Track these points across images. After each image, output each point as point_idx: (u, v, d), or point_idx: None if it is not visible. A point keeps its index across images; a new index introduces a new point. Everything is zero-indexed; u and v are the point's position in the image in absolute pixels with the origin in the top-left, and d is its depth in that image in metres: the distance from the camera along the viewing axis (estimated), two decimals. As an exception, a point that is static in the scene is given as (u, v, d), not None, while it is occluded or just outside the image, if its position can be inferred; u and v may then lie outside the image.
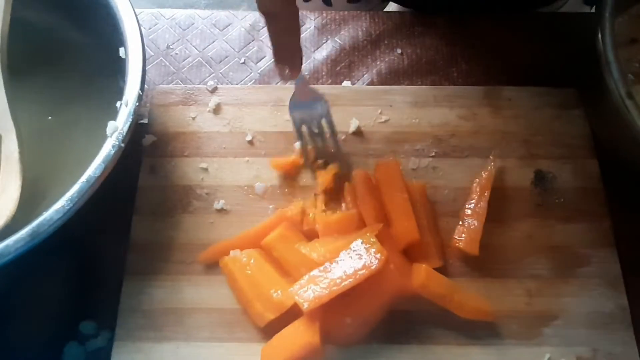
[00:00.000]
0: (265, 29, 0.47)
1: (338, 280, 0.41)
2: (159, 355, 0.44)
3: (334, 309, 0.41)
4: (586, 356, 0.44)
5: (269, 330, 0.44)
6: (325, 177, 0.49)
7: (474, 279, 0.47)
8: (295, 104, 0.51)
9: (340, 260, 0.42)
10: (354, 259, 0.42)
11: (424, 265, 0.44)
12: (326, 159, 0.51)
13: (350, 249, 0.42)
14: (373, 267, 0.41)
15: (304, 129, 0.52)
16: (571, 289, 0.46)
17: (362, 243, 0.42)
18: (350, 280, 0.41)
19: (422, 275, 0.44)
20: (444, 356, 0.44)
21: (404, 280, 0.44)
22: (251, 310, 0.45)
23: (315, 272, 0.42)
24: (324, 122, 0.52)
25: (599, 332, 0.45)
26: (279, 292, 0.43)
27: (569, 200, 0.50)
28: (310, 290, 0.41)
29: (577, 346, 0.44)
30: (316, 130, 0.52)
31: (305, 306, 0.40)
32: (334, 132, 0.52)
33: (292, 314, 0.43)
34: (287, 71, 0.45)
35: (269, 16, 0.42)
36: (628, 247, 0.48)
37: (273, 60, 0.45)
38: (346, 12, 0.61)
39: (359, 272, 0.41)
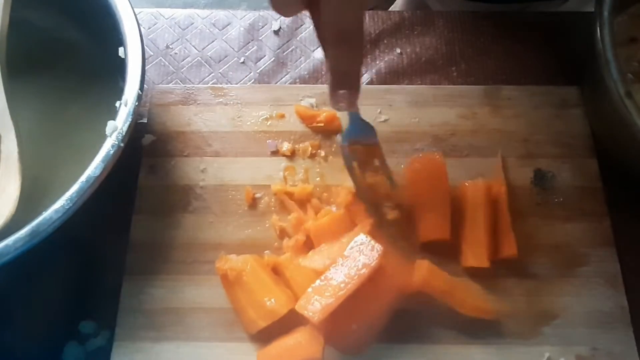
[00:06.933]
0: (319, 48, 0.39)
1: (342, 285, 0.41)
2: (159, 355, 0.44)
3: (338, 317, 0.41)
4: (586, 355, 0.44)
5: (261, 336, 0.44)
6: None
7: (474, 279, 0.47)
8: (348, 136, 0.47)
9: (339, 265, 0.42)
10: (352, 261, 0.42)
11: (426, 261, 0.44)
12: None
13: (347, 250, 0.42)
14: (372, 264, 0.41)
15: (355, 165, 0.48)
16: (571, 288, 0.46)
17: (356, 244, 0.42)
18: (354, 282, 0.41)
19: (424, 271, 0.44)
20: (444, 356, 0.44)
21: (404, 278, 0.44)
22: (243, 317, 0.45)
23: (317, 283, 0.42)
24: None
25: (598, 331, 0.45)
26: (272, 300, 0.43)
27: (568, 199, 0.50)
28: (317, 301, 0.41)
29: (577, 345, 0.45)
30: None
31: (315, 318, 0.40)
32: (386, 167, 0.48)
33: (284, 322, 0.43)
34: (342, 100, 0.40)
35: (338, 37, 0.36)
36: (628, 247, 0.48)
37: (329, 88, 0.39)
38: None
39: (360, 272, 0.41)
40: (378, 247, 0.41)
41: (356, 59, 0.39)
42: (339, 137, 0.49)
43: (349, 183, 0.49)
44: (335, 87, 0.40)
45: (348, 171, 0.48)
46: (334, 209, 0.48)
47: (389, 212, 0.48)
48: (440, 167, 0.48)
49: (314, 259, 0.45)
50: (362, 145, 0.49)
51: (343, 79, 0.40)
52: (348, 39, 0.37)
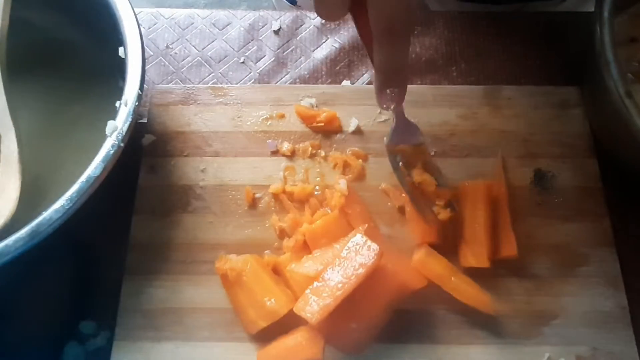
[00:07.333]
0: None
1: (339, 285, 0.41)
2: (159, 355, 0.44)
3: (338, 316, 0.41)
4: (586, 355, 0.44)
5: (261, 336, 0.44)
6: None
7: (474, 279, 0.46)
8: (394, 137, 0.46)
9: (336, 266, 0.42)
10: (350, 261, 0.42)
11: (425, 245, 0.45)
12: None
13: (344, 251, 0.42)
14: (369, 264, 0.41)
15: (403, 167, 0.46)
16: (571, 288, 0.46)
17: (353, 244, 0.42)
18: (351, 282, 0.41)
19: (423, 253, 0.44)
20: (444, 356, 0.44)
21: (404, 278, 0.44)
22: (243, 317, 0.45)
23: (315, 284, 0.42)
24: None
25: (598, 331, 0.45)
26: (272, 300, 0.43)
27: (568, 199, 0.50)
28: (315, 302, 0.41)
29: (577, 345, 0.45)
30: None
31: (313, 320, 0.40)
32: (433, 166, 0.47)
33: (284, 322, 0.43)
34: (390, 98, 0.39)
35: (387, 30, 0.36)
36: (627, 246, 0.48)
37: (376, 87, 0.39)
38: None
39: (357, 272, 0.41)
40: (375, 247, 0.41)
41: (405, 53, 0.38)
42: (385, 139, 0.47)
43: (394, 181, 0.48)
44: (384, 85, 0.39)
45: (395, 172, 0.47)
46: (329, 211, 0.48)
47: (440, 211, 0.46)
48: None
49: (309, 264, 0.45)
50: (407, 145, 0.47)
51: (393, 76, 0.39)
52: (397, 32, 0.36)
